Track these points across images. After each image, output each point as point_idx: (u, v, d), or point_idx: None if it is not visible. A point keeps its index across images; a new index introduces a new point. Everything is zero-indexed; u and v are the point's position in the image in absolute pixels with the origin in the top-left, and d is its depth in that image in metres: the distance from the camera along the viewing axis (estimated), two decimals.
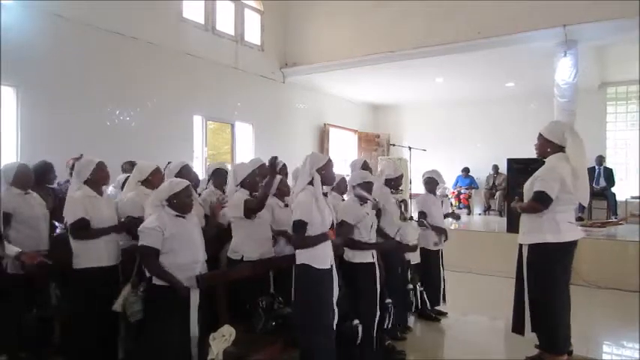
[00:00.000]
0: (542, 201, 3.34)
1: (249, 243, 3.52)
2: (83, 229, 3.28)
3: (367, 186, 3.55)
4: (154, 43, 7.54)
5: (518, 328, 3.61)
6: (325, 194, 3.18)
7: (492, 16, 7.81)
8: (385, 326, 3.71)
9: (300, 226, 2.98)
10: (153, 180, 3.71)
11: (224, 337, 2.83)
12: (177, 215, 3.02)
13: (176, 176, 3.60)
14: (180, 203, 3.01)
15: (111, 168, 3.66)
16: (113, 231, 3.38)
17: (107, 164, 3.57)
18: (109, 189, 4.27)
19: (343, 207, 3.59)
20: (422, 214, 4.84)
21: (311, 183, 3.08)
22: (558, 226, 3.37)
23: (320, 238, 3.01)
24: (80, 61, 6.59)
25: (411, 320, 4.75)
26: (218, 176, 4.24)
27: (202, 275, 3.01)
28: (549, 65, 7.79)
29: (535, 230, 3.43)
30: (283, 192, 3.93)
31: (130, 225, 3.42)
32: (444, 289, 5.00)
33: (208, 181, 4.30)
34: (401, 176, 4.35)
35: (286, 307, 3.27)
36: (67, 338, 3.49)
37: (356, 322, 3.31)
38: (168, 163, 4.51)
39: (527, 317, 3.52)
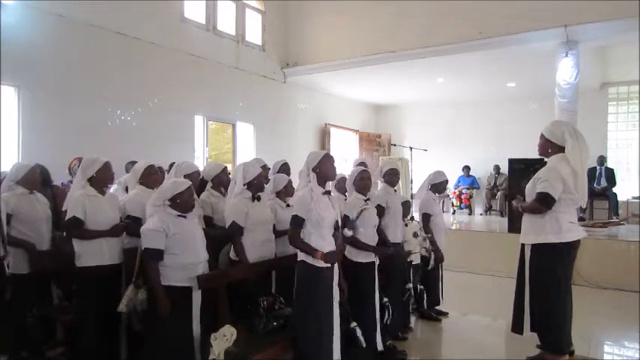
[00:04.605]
0: (545, 202, 3.34)
1: (246, 246, 3.49)
2: (76, 228, 3.27)
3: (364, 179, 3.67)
4: (155, 43, 7.54)
5: (517, 327, 3.62)
6: (328, 192, 3.16)
7: (493, 17, 7.80)
8: (385, 322, 3.73)
9: (295, 221, 3.02)
10: (147, 178, 3.72)
11: (225, 337, 2.83)
12: (178, 215, 3.02)
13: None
14: (183, 202, 3.02)
15: (113, 168, 3.65)
16: (108, 235, 3.32)
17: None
18: (112, 188, 4.26)
19: (347, 203, 3.68)
20: (426, 217, 4.79)
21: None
22: (560, 226, 3.37)
23: (311, 251, 2.97)
24: (81, 61, 6.60)
25: (412, 320, 4.76)
26: (218, 178, 4.12)
27: (201, 276, 3.01)
28: (550, 65, 7.79)
29: (537, 231, 3.44)
30: (288, 192, 3.93)
31: (127, 226, 3.43)
32: (442, 289, 5.00)
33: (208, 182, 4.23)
34: (390, 170, 4.27)
35: (287, 308, 3.27)
36: (69, 338, 3.49)
37: (354, 324, 3.29)
38: (171, 164, 4.47)
39: (527, 317, 3.53)
